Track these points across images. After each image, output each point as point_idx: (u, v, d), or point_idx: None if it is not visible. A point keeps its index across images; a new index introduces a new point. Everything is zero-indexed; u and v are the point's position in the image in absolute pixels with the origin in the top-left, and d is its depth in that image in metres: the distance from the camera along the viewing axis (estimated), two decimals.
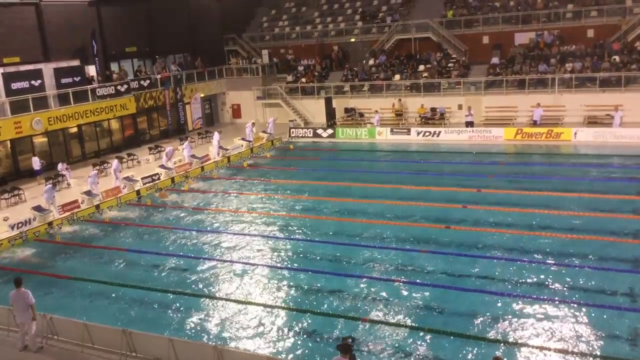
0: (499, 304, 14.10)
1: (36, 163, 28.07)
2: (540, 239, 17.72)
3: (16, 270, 17.30)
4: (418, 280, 15.58)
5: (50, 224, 21.83)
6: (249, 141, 33.17)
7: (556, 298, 14.14)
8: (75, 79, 31.68)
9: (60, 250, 19.86)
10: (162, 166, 27.85)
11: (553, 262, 16.11)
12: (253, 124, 34.55)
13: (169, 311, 14.86)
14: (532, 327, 12.98)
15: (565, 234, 17.88)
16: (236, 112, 42.95)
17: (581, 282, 14.90)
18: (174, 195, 25.74)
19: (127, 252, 19.04)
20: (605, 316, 13.26)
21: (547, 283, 14.97)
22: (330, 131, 35.11)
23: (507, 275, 15.60)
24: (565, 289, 14.64)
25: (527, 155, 28.79)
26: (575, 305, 13.72)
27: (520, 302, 14.07)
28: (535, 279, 15.23)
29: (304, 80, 40.60)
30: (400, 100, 36.44)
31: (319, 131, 35.36)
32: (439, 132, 32.68)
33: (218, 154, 30.93)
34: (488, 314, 13.65)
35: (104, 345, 12.25)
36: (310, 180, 26.38)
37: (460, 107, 34.73)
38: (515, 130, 31.17)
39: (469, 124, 32.53)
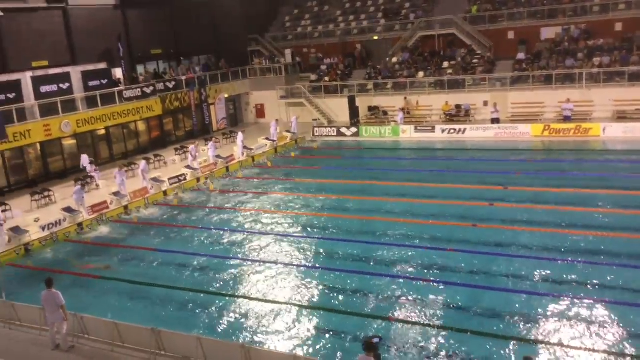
0: (527, 303, 13.93)
1: (85, 160, 28.76)
2: (569, 237, 17.47)
3: (48, 271, 17.62)
4: (445, 279, 15.46)
5: (80, 224, 22.21)
6: (273, 141, 33.31)
7: (586, 296, 13.91)
8: (102, 81, 32.16)
9: (91, 251, 20.20)
10: (188, 166, 28.15)
11: (583, 260, 15.84)
12: (277, 120, 34.68)
13: (197, 310, 15.00)
14: (562, 326, 12.80)
15: (594, 232, 17.58)
16: (260, 112, 43.15)
17: (611, 281, 14.64)
18: (200, 194, 25.98)
19: (155, 252, 19.27)
20: (636, 315, 12.99)
21: (577, 281, 14.74)
22: (354, 130, 35.06)
23: (535, 273, 15.39)
24: (595, 287, 14.40)
25: (555, 152, 28.36)
26: (606, 304, 13.48)
27: (548, 301, 13.88)
28: (564, 277, 15.02)
29: (327, 79, 40.60)
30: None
31: (343, 130, 35.33)
32: (464, 130, 32.39)
33: (242, 153, 31.12)
34: (516, 312, 13.50)
35: (134, 344, 12.43)
36: (334, 179, 26.37)
37: (485, 103, 34.37)
38: (543, 126, 30.75)
39: (495, 121, 32.17)
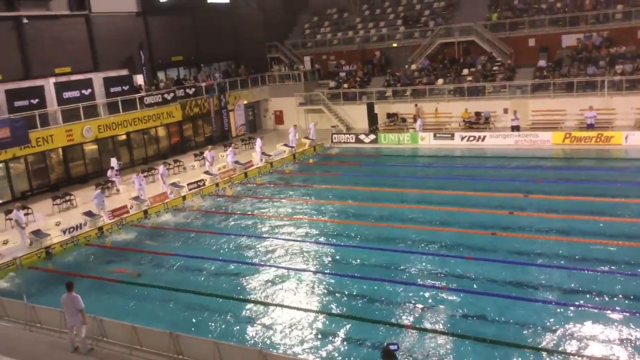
0: (547, 312, 13.73)
1: (114, 163, 29.51)
2: (590, 246, 17.21)
3: (68, 274, 17.82)
4: (463, 287, 15.32)
5: (100, 228, 22.44)
6: (292, 147, 33.39)
7: (608, 306, 13.69)
8: (123, 87, 32.55)
9: (110, 255, 20.39)
10: (206, 172, 28.33)
11: (604, 269, 15.61)
12: (295, 127, 34.76)
13: (215, 315, 15.04)
14: (582, 337, 12.60)
15: (616, 241, 17.31)
16: (279, 118, 43.31)
17: (634, 291, 14.38)
18: (218, 200, 26.11)
19: (174, 257, 19.38)
20: None
21: (597, 291, 14.50)
22: (372, 137, 35.00)
23: (556, 283, 15.18)
24: (617, 297, 14.16)
25: (576, 160, 28.00)
26: (629, 315, 13.24)
27: (569, 311, 13.67)
28: (585, 287, 14.78)
29: (345, 85, 40.64)
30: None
31: (361, 137, 35.30)
32: (484, 137, 32.15)
33: (261, 160, 31.24)
34: (535, 322, 13.32)
35: (152, 347, 12.50)
36: (352, 186, 26.33)
37: (505, 111, 34.11)
38: (564, 134, 30.41)
39: (515, 128, 31.90)
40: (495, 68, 36.91)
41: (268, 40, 46.65)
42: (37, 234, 21.07)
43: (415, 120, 35.46)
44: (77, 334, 12.83)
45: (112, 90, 31.88)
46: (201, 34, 40.85)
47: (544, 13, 37.86)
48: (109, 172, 28.69)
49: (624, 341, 12.32)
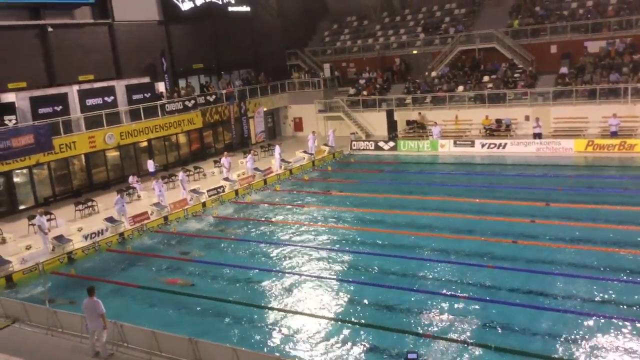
0: (568, 322, 13.51)
1: (151, 165, 30.91)
2: (613, 255, 16.94)
3: (90, 279, 18.00)
4: (483, 296, 15.17)
5: (121, 234, 22.66)
6: (311, 154, 33.44)
7: (632, 317, 13.42)
8: (145, 95, 32.90)
9: (132, 260, 20.57)
10: (226, 179, 28.48)
11: (628, 279, 15.34)
12: (314, 132, 34.85)
13: (234, 321, 15.07)
14: (606, 348, 12.37)
15: (637, 250, 17.01)
16: (298, 125, 43.43)
17: None
18: (237, 207, 26.22)
19: (193, 263, 19.49)
20: None
21: (621, 301, 14.26)
22: (391, 144, 34.92)
23: (578, 292, 14.95)
24: (637, 307, 13.94)
25: (599, 168, 27.63)
26: None
27: (591, 321, 13.44)
28: (608, 297, 14.55)
29: (365, 93, 40.63)
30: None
31: (381, 144, 35.23)
32: (505, 144, 31.89)
33: (280, 166, 31.33)
34: (556, 332, 13.11)
35: (171, 353, 12.57)
36: (372, 193, 26.26)
37: (527, 118, 33.82)
38: (586, 141, 30.03)
39: (537, 136, 31.59)
40: (516, 75, 36.63)
41: (288, 48, 46.90)
42: (60, 239, 21.34)
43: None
44: (97, 339, 12.96)
45: (134, 97, 32.24)
46: (222, 41, 41.21)
47: (565, 19, 37.52)
48: (130, 179, 28.99)
49: None
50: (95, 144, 29.45)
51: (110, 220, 23.02)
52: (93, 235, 21.90)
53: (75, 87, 30.12)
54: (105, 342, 12.90)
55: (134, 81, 33.32)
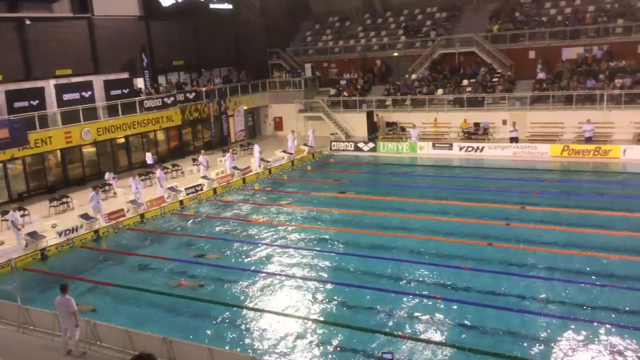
0: (542, 325, 13.71)
1: (149, 158, 31.61)
2: (586, 259, 17.19)
3: (64, 277, 17.77)
4: (458, 298, 15.31)
5: (96, 231, 22.39)
6: (290, 154, 33.41)
7: (603, 320, 13.66)
8: (124, 91, 32.56)
9: (106, 258, 20.35)
10: (204, 177, 28.32)
11: (599, 283, 15.60)
12: (293, 132, 34.84)
13: (209, 320, 14.99)
14: (576, 350, 12.58)
15: (612, 254, 17.32)
16: (278, 124, 43.36)
17: (628, 305, 14.36)
18: (216, 206, 26.09)
19: (169, 261, 19.34)
20: None
21: (592, 304, 14.49)
22: (371, 145, 35.05)
23: (551, 295, 15.17)
24: (611, 311, 14.14)
25: (574, 173, 28.07)
26: (624, 328, 13.22)
27: (563, 323, 13.64)
28: (580, 300, 14.77)
29: (345, 93, 40.72)
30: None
31: (360, 145, 35.34)
32: (482, 148, 32.22)
33: (259, 166, 31.25)
34: (529, 334, 13.30)
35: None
36: (350, 194, 26.33)
37: (504, 122, 34.19)
38: (562, 146, 30.47)
39: (514, 140, 31.97)
40: (494, 79, 37.02)
41: (269, 47, 46.79)
42: (33, 235, 21.02)
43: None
44: (70, 337, 12.78)
45: (112, 93, 31.88)
46: (203, 39, 40.96)
47: (544, 26, 38.03)
48: (107, 175, 28.67)
49: (617, 354, 12.29)
50: (72, 139, 29.05)
51: (85, 217, 22.75)
52: (67, 232, 21.61)
53: (52, 82, 29.70)
54: (78, 340, 12.74)
55: (113, 77, 32.95)
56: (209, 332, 14.33)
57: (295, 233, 21.46)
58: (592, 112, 31.81)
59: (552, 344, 12.86)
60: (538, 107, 33.98)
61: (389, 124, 37.82)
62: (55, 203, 25.30)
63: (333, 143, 36.33)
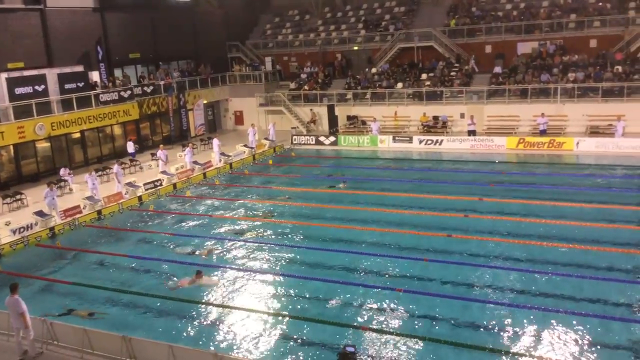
0: (501, 314, 14.03)
1: (130, 147, 31.70)
2: (541, 249, 17.67)
3: (18, 275, 17.29)
4: (419, 289, 15.52)
5: (52, 229, 21.84)
6: (251, 148, 33.23)
7: (557, 308, 14.05)
8: (78, 84, 31.78)
9: (61, 256, 19.88)
10: (163, 172, 27.92)
11: (554, 272, 16.05)
12: (253, 125, 34.68)
13: (169, 318, 14.82)
14: (534, 338, 12.92)
15: (566, 244, 17.83)
16: (239, 118, 43.06)
17: (583, 293, 14.83)
18: (175, 201, 25.77)
19: (127, 258, 19.02)
20: (606, 327, 13.18)
21: (548, 293, 14.90)
22: (332, 139, 35.15)
23: (509, 284, 15.54)
24: (566, 299, 14.57)
25: (529, 165, 28.77)
26: (577, 316, 13.64)
27: (521, 312, 14.00)
28: (537, 289, 15.17)
29: (306, 87, 40.69)
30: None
31: (321, 138, 35.40)
32: (441, 141, 32.70)
33: (220, 160, 30.97)
34: (490, 323, 13.61)
35: (104, 351, 12.24)
36: (311, 188, 26.37)
37: (462, 115, 34.78)
38: (518, 139, 31.19)
39: (471, 133, 32.57)
40: (452, 73, 37.56)
41: (229, 40, 46.35)
42: None
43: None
44: (24, 337, 12.46)
45: (67, 86, 31.08)
46: (160, 31, 40.27)
47: (500, 20, 38.76)
48: (62, 171, 27.98)
49: (574, 342, 12.68)
50: (25, 134, 28.22)
51: (40, 214, 22.15)
52: (22, 230, 21.03)
53: (4, 75, 28.76)
54: (33, 339, 12.43)
55: (67, 70, 32.13)
56: (164, 329, 14.15)
57: (255, 227, 21.37)
58: (547, 106, 32.65)
59: (509, 333, 13.17)
60: (494, 101, 34.66)
61: (349, 118, 37.97)
62: (8, 200, 24.58)
63: (294, 137, 36.29)
